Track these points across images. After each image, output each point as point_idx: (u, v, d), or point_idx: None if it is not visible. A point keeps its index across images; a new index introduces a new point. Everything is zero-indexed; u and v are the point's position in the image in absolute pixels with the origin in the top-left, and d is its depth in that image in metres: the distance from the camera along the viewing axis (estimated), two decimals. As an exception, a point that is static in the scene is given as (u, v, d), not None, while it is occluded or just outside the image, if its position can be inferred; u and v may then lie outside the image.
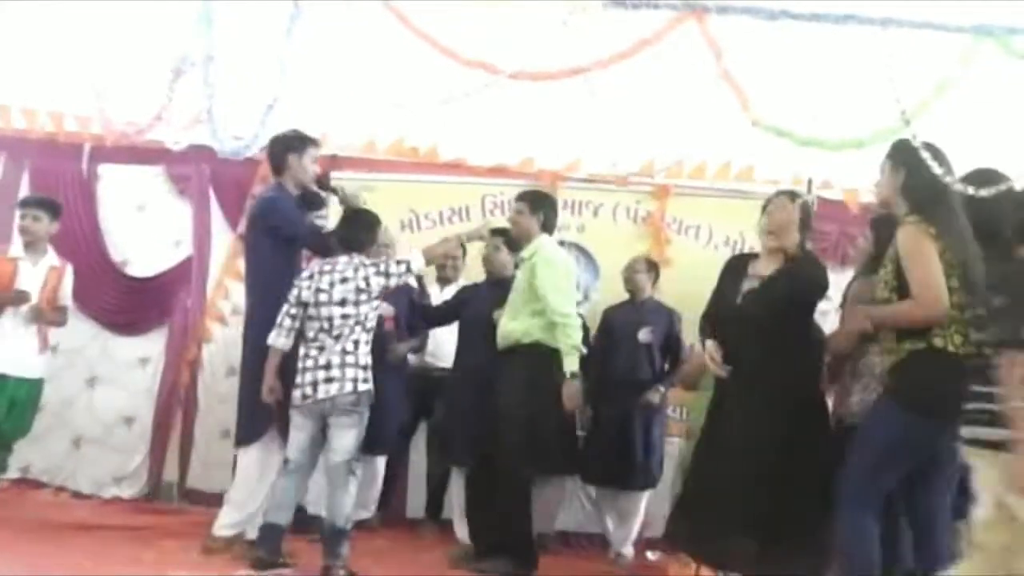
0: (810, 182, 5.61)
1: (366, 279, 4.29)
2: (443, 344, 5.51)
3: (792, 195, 4.07)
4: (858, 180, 5.41)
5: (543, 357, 4.47)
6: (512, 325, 4.60)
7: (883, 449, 3.28)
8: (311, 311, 4.28)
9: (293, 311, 4.28)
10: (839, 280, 5.59)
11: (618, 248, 5.75)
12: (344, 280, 4.30)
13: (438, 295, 5.63)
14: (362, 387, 4.27)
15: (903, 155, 3.41)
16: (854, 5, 3.77)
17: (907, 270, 3.18)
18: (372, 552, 4.73)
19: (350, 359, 4.27)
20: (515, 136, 5.59)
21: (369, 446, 5.30)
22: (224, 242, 6.00)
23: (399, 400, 5.25)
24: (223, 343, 5.90)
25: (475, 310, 5.09)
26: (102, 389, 5.96)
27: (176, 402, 5.90)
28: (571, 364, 4.40)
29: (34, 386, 5.08)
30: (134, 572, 4.01)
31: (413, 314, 5.40)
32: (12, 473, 5.54)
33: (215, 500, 5.72)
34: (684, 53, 4.04)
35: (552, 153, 5.80)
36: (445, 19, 4.08)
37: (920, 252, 3.17)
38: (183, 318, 5.97)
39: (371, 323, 4.36)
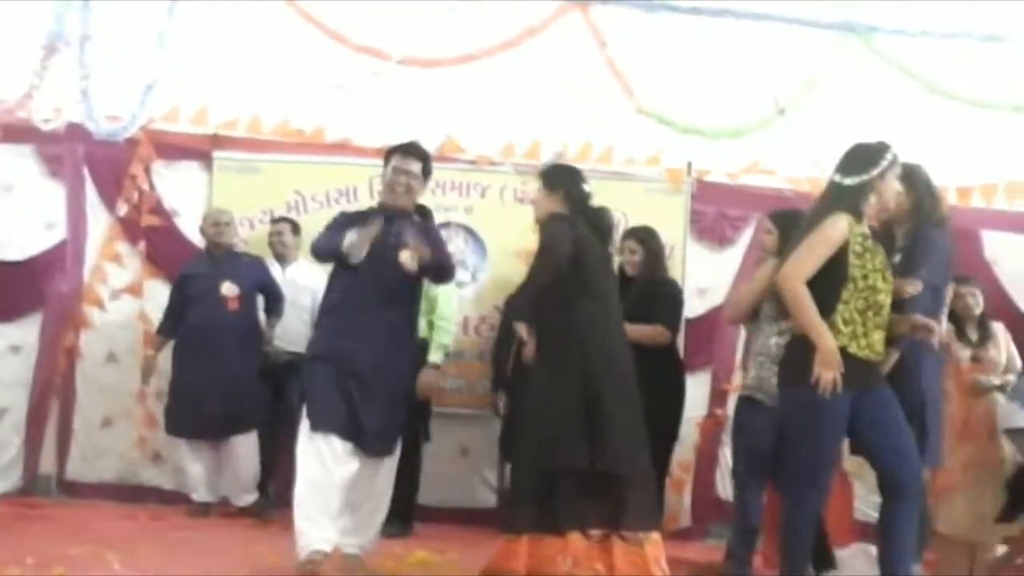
0: (689, 165, 5.83)
1: None
2: (288, 327, 5.51)
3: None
4: (736, 164, 5.64)
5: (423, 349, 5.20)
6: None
7: None
8: None
9: None
10: (717, 260, 5.93)
11: (505, 229, 5.83)
12: None
13: (280, 274, 5.58)
14: None
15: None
16: (729, 1, 3.95)
17: None
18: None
19: None
20: (401, 118, 5.57)
21: (235, 426, 5.31)
22: (101, 224, 5.78)
23: (259, 381, 5.32)
24: (102, 329, 5.73)
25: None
26: (-30, 380, 5.70)
27: (52, 392, 5.69)
28: (439, 357, 5.23)
29: None
30: (19, 569, 3.88)
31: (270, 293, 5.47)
32: None
33: (95, 492, 5.64)
34: (569, 42, 4.14)
35: (438, 135, 5.82)
36: (334, 4, 4.06)
37: None
38: (58, 304, 5.72)
39: None
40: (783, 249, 4.13)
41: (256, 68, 4.72)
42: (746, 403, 4.20)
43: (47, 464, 5.68)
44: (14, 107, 4.62)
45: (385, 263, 3.96)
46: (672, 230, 5.75)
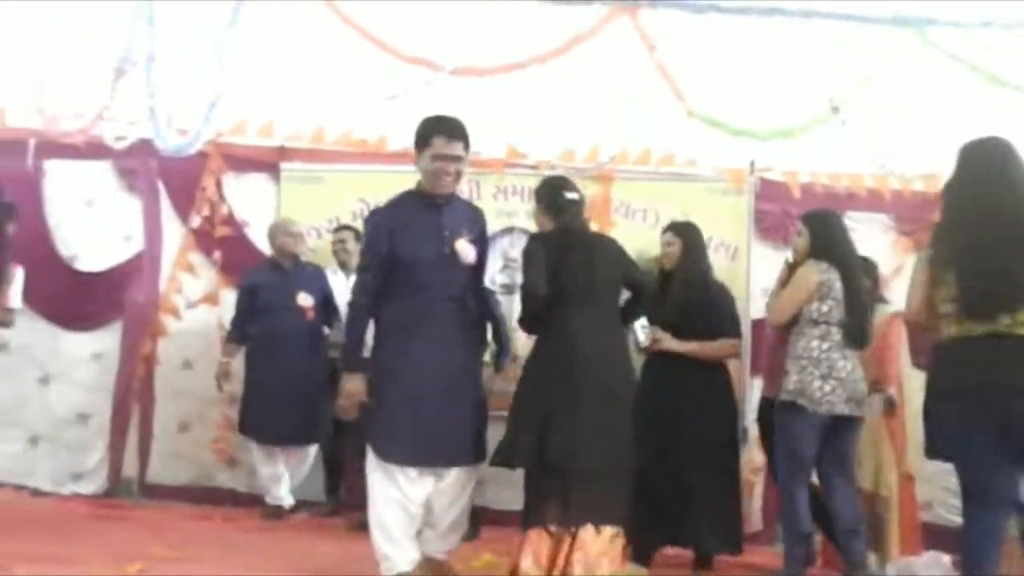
0: (752, 164, 5.75)
1: None
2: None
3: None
4: (795, 164, 5.54)
5: None
6: None
7: None
8: None
9: None
10: (781, 259, 5.76)
11: (566, 232, 5.83)
12: None
13: (344, 283, 5.56)
14: None
15: None
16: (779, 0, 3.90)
17: None
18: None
19: None
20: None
21: (309, 437, 5.44)
22: (175, 236, 5.99)
23: (329, 389, 5.36)
24: (178, 336, 5.94)
25: None
26: (56, 386, 5.95)
27: (132, 397, 5.91)
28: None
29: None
30: (100, 567, 4.05)
31: (329, 303, 5.54)
32: (-31, 473, 5.57)
33: (174, 494, 5.82)
34: (619, 46, 4.14)
35: (498, 142, 5.87)
36: (385, 16, 4.13)
37: None
38: (136, 312, 5.95)
39: None
40: (816, 249, 4.10)
41: (318, 81, 4.84)
42: (786, 407, 4.11)
43: (129, 467, 5.90)
44: (89, 126, 4.83)
45: (444, 259, 3.71)
46: (736, 230, 5.69)
